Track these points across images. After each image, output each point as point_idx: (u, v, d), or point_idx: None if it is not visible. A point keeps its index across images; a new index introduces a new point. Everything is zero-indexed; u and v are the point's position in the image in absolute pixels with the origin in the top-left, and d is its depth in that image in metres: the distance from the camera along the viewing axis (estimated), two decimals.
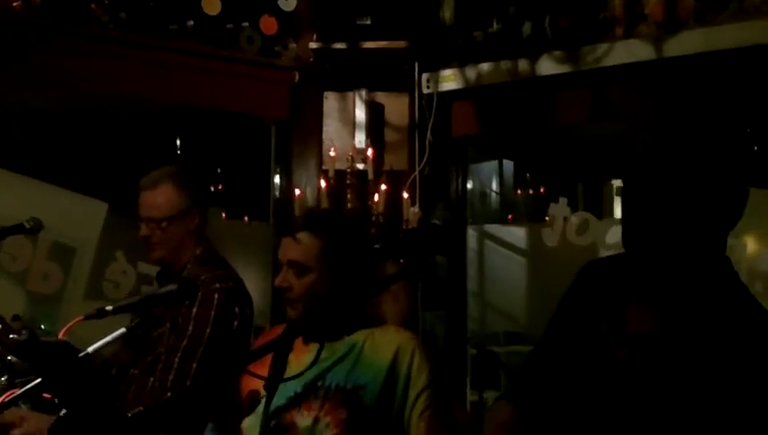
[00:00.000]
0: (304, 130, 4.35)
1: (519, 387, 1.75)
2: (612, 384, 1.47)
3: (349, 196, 4.16)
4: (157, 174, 2.62)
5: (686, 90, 3.56)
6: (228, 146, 5.54)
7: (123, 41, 3.82)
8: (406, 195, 4.17)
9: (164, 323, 2.43)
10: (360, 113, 4.30)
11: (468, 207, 4.66)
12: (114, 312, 2.00)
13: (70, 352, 1.67)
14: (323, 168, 4.27)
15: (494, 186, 6.36)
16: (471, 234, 4.40)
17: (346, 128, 4.33)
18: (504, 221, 5.96)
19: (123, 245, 3.73)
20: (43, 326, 3.47)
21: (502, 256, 4.35)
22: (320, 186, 4.19)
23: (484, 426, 1.76)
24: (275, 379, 1.78)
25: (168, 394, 2.31)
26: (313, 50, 4.30)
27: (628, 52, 3.70)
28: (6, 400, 1.84)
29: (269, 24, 4.19)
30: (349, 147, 4.27)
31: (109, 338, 1.96)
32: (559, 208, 4.05)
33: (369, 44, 4.23)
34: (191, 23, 3.99)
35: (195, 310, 2.41)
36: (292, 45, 4.31)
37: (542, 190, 6.34)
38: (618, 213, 5.66)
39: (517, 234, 4.36)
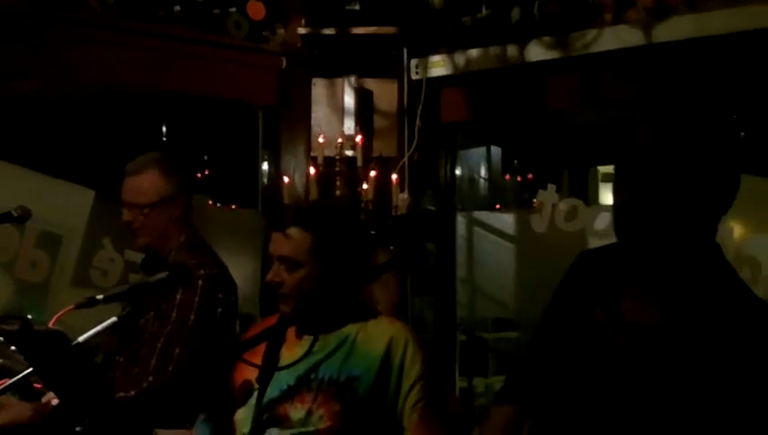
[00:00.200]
0: (293, 117, 4.32)
1: (518, 383, 1.75)
2: (611, 373, 1.47)
3: (338, 182, 4.14)
4: (142, 159, 2.61)
5: (676, 76, 3.56)
6: (215, 132, 5.51)
7: (110, 26, 3.77)
8: (395, 180, 4.16)
9: (149, 310, 2.42)
10: (349, 99, 4.28)
11: (457, 194, 4.66)
12: (105, 301, 2.00)
13: (63, 341, 1.66)
14: (312, 154, 4.24)
15: (483, 172, 6.37)
16: (460, 220, 4.40)
17: (335, 114, 4.31)
18: (492, 208, 5.96)
19: (110, 232, 3.70)
20: (30, 316, 3.45)
21: (491, 243, 4.34)
22: (308, 172, 4.17)
23: (485, 431, 1.76)
24: (268, 370, 1.78)
25: (150, 378, 2.31)
26: (302, 35, 4.27)
27: (617, 37, 3.69)
28: None
29: (257, 9, 4.15)
30: (337, 133, 4.24)
31: (100, 327, 1.95)
32: (547, 195, 4.05)
33: (357, 30, 4.20)
34: (178, 8, 3.94)
35: (179, 296, 2.41)
36: (281, 31, 4.27)
37: (529, 177, 6.36)
38: (604, 199, 5.69)
39: (506, 220, 4.36)
